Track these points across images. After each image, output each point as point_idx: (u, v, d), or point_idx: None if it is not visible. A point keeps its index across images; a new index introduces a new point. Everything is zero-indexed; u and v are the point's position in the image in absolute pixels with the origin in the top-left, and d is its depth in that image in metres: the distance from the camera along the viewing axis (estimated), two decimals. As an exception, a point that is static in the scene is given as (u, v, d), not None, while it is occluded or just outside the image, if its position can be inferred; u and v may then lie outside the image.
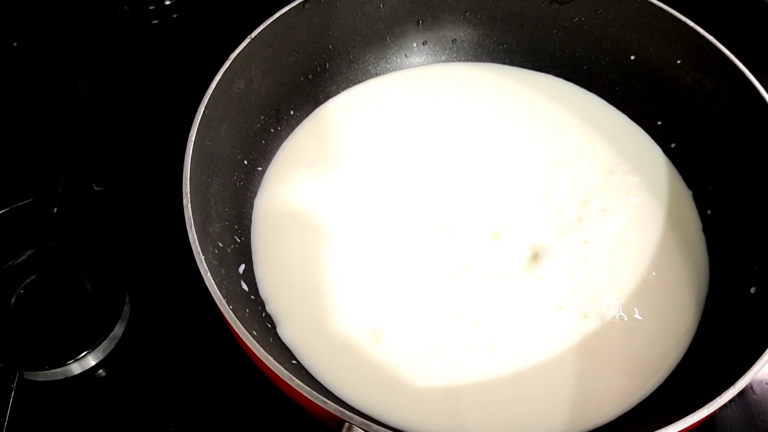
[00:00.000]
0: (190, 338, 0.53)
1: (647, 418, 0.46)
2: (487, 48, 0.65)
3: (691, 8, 0.57)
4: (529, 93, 0.64)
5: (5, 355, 0.50)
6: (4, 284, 0.53)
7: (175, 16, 0.72)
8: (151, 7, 0.72)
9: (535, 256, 0.53)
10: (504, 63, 0.66)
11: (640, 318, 0.51)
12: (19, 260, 0.54)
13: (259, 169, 0.58)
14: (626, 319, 0.51)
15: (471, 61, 0.66)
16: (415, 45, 0.65)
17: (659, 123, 0.61)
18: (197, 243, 0.43)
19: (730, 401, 0.40)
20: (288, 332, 0.50)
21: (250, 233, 0.55)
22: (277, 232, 0.55)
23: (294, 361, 0.48)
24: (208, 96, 0.49)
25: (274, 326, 0.50)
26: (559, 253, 0.53)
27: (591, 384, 0.48)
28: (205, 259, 0.42)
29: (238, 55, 0.52)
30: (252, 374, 0.44)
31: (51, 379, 0.51)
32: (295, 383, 0.39)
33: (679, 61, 0.58)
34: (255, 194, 0.57)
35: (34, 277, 0.54)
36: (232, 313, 0.41)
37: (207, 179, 0.50)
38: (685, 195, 0.58)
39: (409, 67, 0.65)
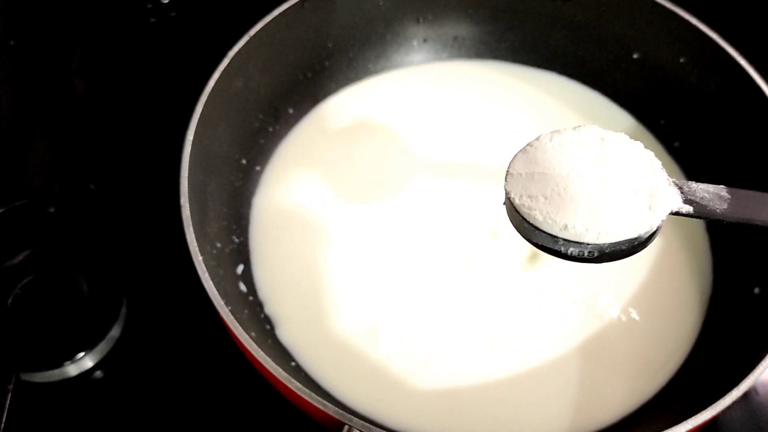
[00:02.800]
0: (188, 339, 0.52)
1: (650, 420, 0.45)
2: (488, 45, 0.65)
3: (694, 6, 0.56)
4: (531, 91, 0.63)
5: (1, 356, 0.50)
6: (0, 285, 0.53)
7: (173, 14, 0.72)
8: (149, 6, 0.72)
9: (534, 255, 0.52)
10: (506, 60, 0.65)
11: (642, 318, 0.50)
12: (16, 261, 0.54)
13: (258, 168, 0.57)
14: (628, 319, 0.50)
15: (472, 58, 0.65)
16: (415, 43, 0.64)
17: (662, 122, 0.60)
18: (195, 243, 0.42)
19: (734, 403, 0.39)
20: (287, 334, 0.50)
21: (248, 233, 0.54)
22: (275, 232, 0.54)
23: (293, 363, 0.48)
24: (206, 94, 0.49)
25: (272, 328, 0.50)
26: (560, 252, 0.53)
27: (593, 385, 0.48)
28: (203, 259, 0.42)
29: (237, 53, 0.51)
30: (251, 376, 0.44)
31: (48, 380, 0.50)
32: (294, 385, 0.39)
33: (682, 60, 0.57)
34: (253, 194, 0.56)
35: (30, 277, 0.53)
36: (230, 314, 0.41)
37: (205, 179, 0.49)
38: (689, 194, 0.57)
39: (409, 65, 0.65)
